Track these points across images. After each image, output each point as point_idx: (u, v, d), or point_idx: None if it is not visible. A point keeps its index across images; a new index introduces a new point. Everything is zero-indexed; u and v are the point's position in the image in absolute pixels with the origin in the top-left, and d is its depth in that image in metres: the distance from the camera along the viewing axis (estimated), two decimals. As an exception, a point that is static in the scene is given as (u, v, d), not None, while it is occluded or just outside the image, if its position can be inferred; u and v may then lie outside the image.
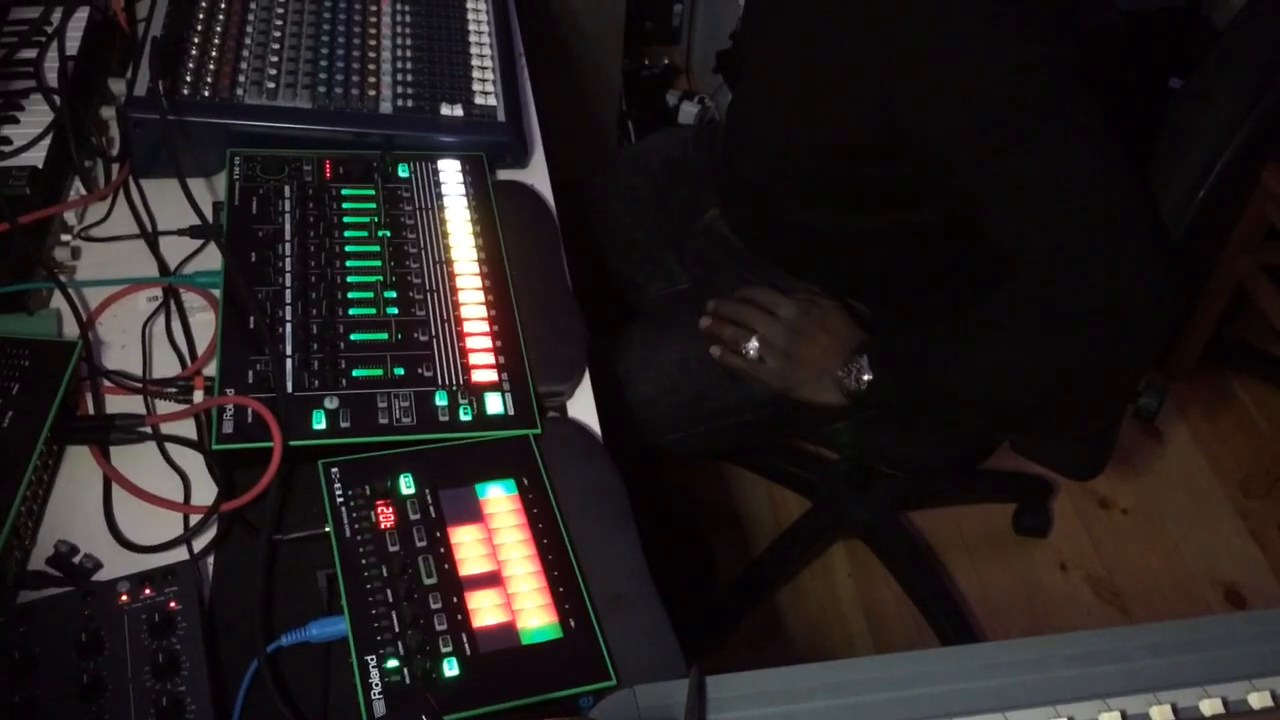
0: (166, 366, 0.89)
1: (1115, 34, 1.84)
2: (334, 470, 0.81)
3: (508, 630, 0.73)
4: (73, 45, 1.10)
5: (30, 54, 1.09)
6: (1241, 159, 1.05)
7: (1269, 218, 1.79)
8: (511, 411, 0.86)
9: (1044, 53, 0.93)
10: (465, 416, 0.85)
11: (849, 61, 1.01)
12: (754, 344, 1.18)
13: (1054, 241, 0.95)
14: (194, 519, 0.79)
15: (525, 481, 0.82)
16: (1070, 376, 1.01)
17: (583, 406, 0.92)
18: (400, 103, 1.08)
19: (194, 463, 0.83)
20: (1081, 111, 0.94)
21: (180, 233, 0.99)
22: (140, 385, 0.86)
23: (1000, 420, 1.16)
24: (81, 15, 1.13)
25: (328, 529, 0.77)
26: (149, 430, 0.84)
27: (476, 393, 0.87)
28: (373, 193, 1.01)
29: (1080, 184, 0.94)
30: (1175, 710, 0.65)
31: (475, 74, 1.14)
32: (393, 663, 0.70)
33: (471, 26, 1.20)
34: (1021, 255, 0.98)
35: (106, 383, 0.86)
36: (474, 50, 1.17)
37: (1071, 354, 0.99)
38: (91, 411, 0.84)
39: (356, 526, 0.77)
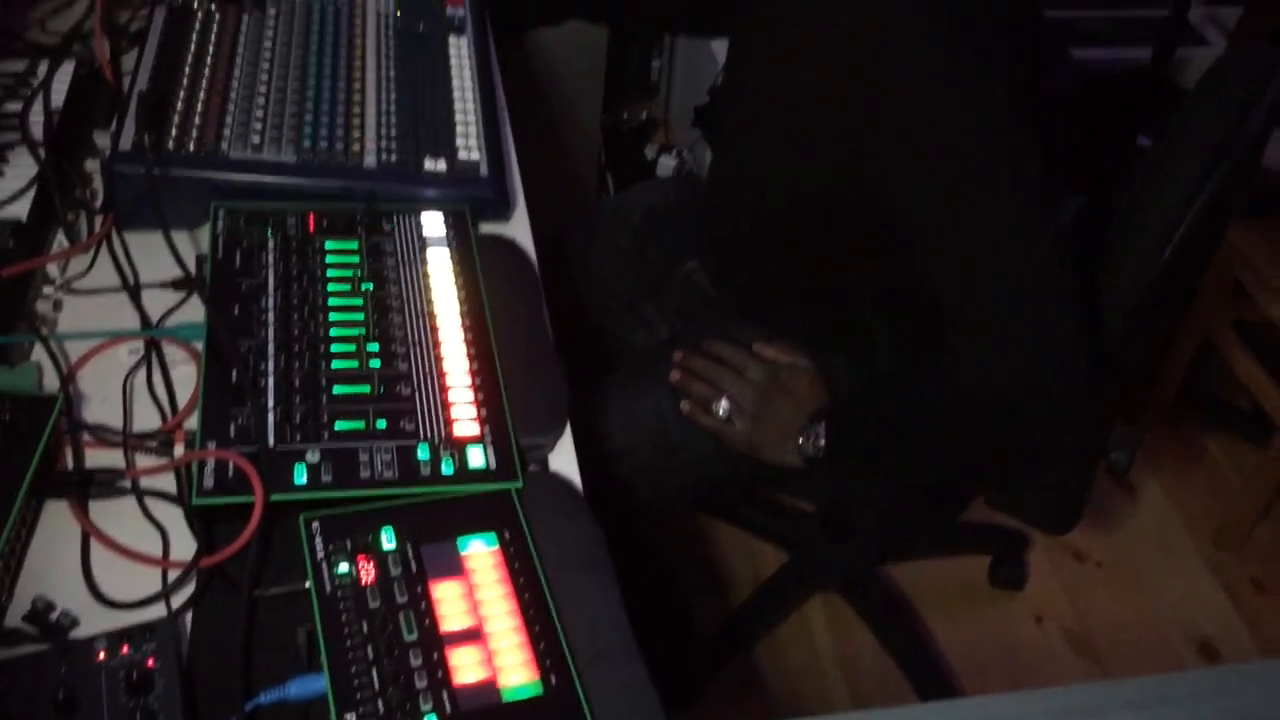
0: (147, 419, 0.89)
1: (1079, 94, 1.88)
2: (315, 525, 0.81)
3: (489, 687, 0.73)
4: (58, 98, 1.11)
5: (15, 107, 1.09)
6: (1206, 216, 1.08)
7: (1235, 274, 1.83)
8: (493, 465, 0.87)
9: (1002, 120, 0.95)
10: (447, 470, 0.85)
11: (823, 116, 1.03)
12: (724, 404, 1.20)
13: (981, 314, 0.98)
14: (173, 574, 0.78)
15: (506, 535, 0.82)
16: (994, 453, 1.08)
17: (564, 459, 0.93)
18: (384, 157, 1.09)
19: (173, 517, 0.82)
20: (1025, 185, 0.96)
21: (163, 285, 0.99)
22: (120, 439, 0.86)
23: (946, 482, 1.20)
24: (68, 69, 1.14)
25: (308, 584, 0.77)
26: (128, 485, 0.83)
27: (458, 446, 0.87)
28: (356, 246, 1.02)
29: (1011, 259, 0.96)
30: (1153, 766, 0.66)
31: (459, 128, 1.15)
32: (373, 720, 0.70)
33: (455, 81, 1.21)
34: (954, 324, 1.01)
35: (87, 436, 0.86)
36: (457, 104, 1.18)
37: (989, 433, 1.04)
38: (71, 466, 0.84)
39: (337, 582, 0.77)
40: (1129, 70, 2.03)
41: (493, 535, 0.82)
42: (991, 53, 0.97)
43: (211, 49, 1.14)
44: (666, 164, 2.33)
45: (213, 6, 1.19)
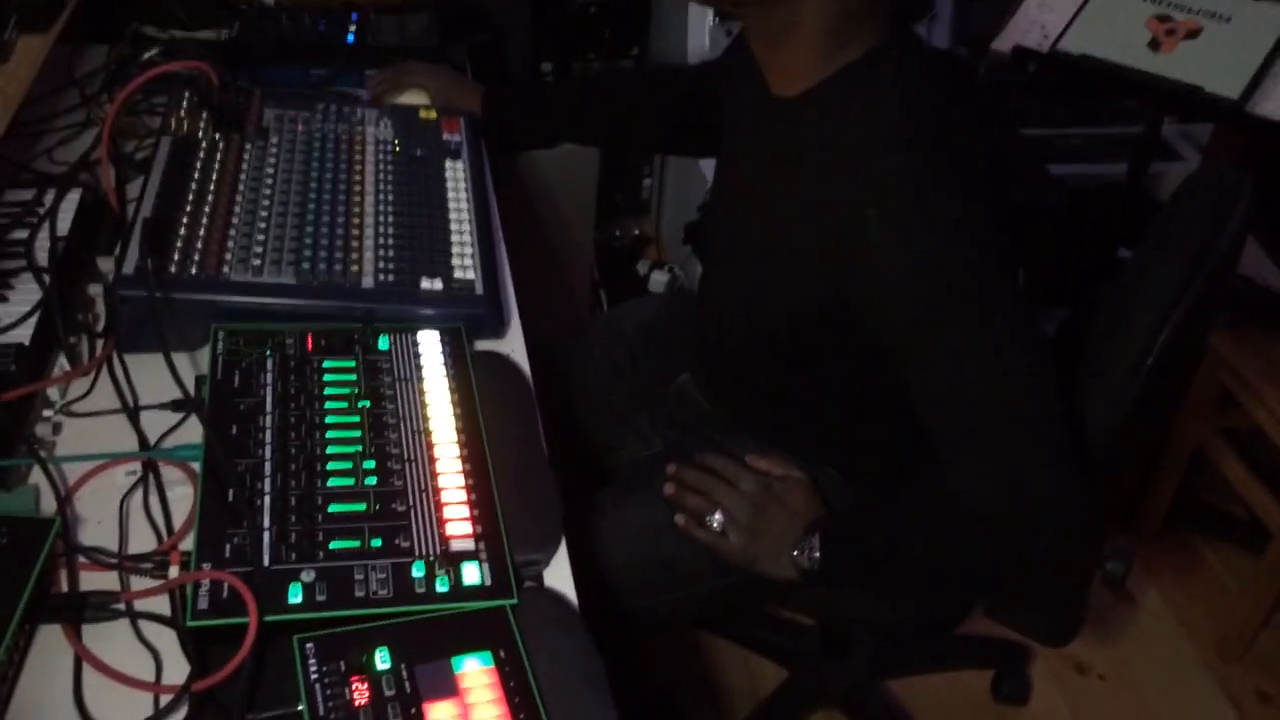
0: (143, 541, 0.89)
1: (1059, 208, 1.93)
2: (309, 646, 0.80)
3: (484, 811, 0.72)
4: (64, 225, 1.13)
5: (22, 234, 1.12)
6: (1188, 325, 1.10)
7: (1222, 382, 1.85)
8: (488, 581, 0.87)
9: (979, 244, 0.98)
10: (442, 587, 0.85)
11: (804, 235, 1.06)
12: (718, 516, 1.20)
13: (965, 435, 1.00)
14: (165, 699, 0.78)
15: (502, 653, 0.82)
16: (989, 568, 1.08)
17: (559, 573, 0.93)
18: (382, 277, 1.12)
19: (167, 639, 0.82)
20: (1005, 306, 0.98)
21: (162, 406, 1.00)
22: (116, 561, 0.86)
23: (941, 596, 1.20)
24: (74, 197, 1.17)
25: (301, 707, 0.76)
26: (122, 608, 0.83)
27: (453, 563, 0.87)
28: (353, 364, 1.03)
29: (993, 380, 0.98)
30: None
31: (455, 248, 1.18)
32: (366, 847, 0.69)
33: (451, 203, 1.25)
34: (942, 439, 1.02)
35: (82, 559, 0.86)
36: (453, 225, 1.21)
37: (984, 549, 1.05)
38: (66, 589, 0.84)
39: (331, 704, 0.76)
40: (1106, 185, 2.08)
41: (488, 654, 0.81)
42: (969, 170, 1.00)
43: (215, 176, 1.18)
44: (659, 279, 2.37)
45: (217, 136, 1.23)
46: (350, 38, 1.59)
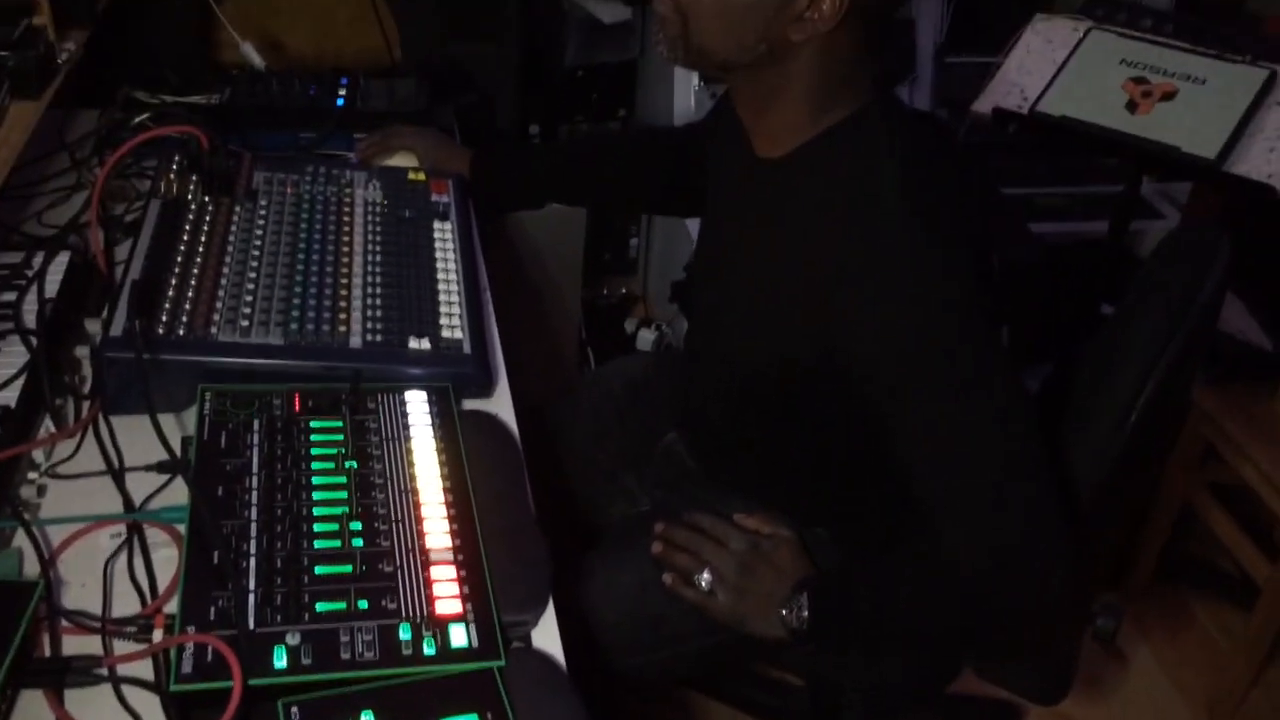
0: (127, 604, 0.88)
1: (1041, 265, 1.95)
2: (294, 710, 0.79)
3: None
4: (52, 288, 1.14)
5: (10, 296, 1.12)
6: (1170, 380, 1.11)
7: (1206, 437, 1.86)
8: (475, 643, 0.86)
9: (964, 303, 0.99)
10: (429, 650, 0.85)
11: (788, 295, 1.07)
12: (707, 576, 1.20)
13: (949, 492, 1.00)
14: (147, 765, 0.77)
15: (489, 716, 0.81)
16: (975, 624, 1.08)
17: (547, 634, 0.92)
18: (369, 337, 1.12)
19: (151, 704, 0.81)
20: (990, 365, 0.99)
21: (148, 468, 1.00)
22: (99, 625, 0.85)
23: (931, 655, 1.19)
24: (62, 259, 1.18)
25: (286, 772, 0.75)
26: (105, 672, 0.82)
27: (440, 625, 0.87)
28: (340, 425, 1.03)
29: (977, 438, 0.98)
30: None
31: (442, 308, 1.19)
32: None
33: (439, 263, 1.26)
34: (929, 497, 1.02)
35: (65, 623, 0.85)
36: (441, 285, 1.22)
37: (969, 605, 1.04)
38: (48, 653, 0.83)
39: (316, 769, 0.76)
40: (1087, 242, 2.11)
41: (475, 716, 0.81)
42: (953, 230, 1.01)
43: (204, 238, 1.18)
44: (646, 338, 2.38)
45: (206, 199, 1.24)
46: (340, 102, 1.61)
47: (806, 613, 1.12)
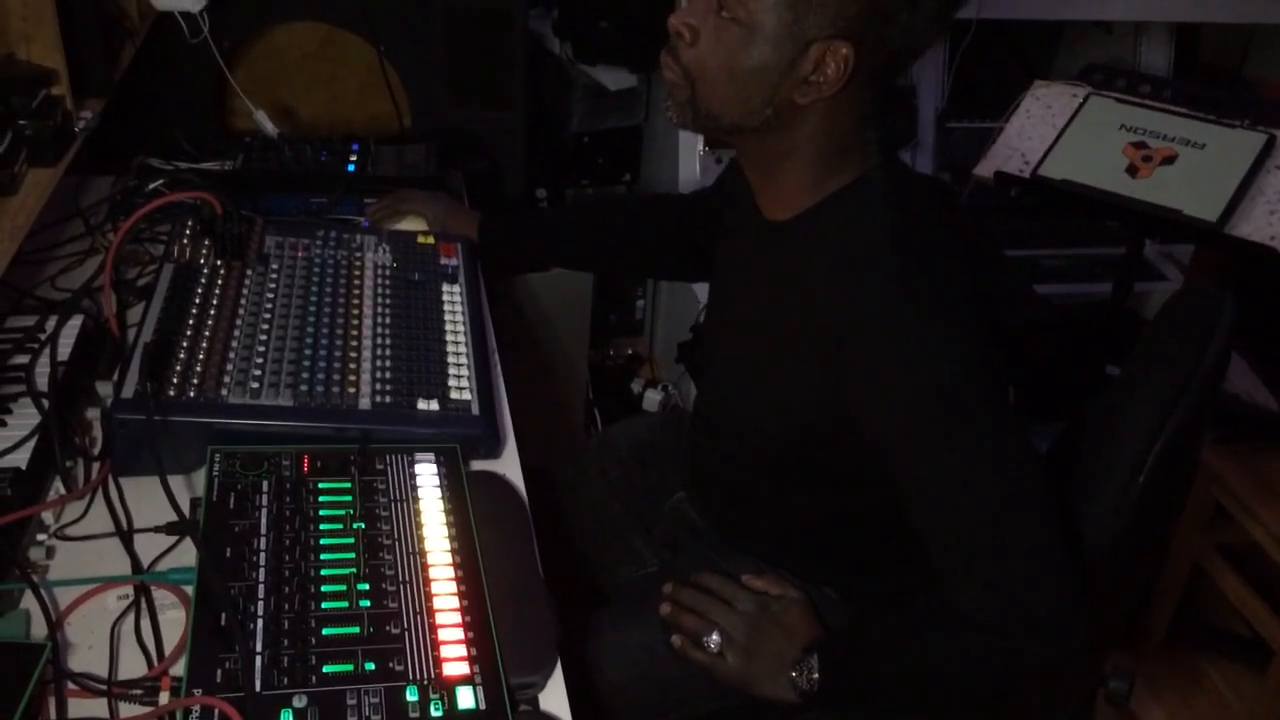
0: (134, 667, 0.88)
1: (1047, 326, 1.96)
2: (300, 773, 0.79)
3: None
4: (64, 351, 1.15)
5: (23, 359, 1.13)
6: (1178, 440, 1.11)
7: (1215, 498, 1.85)
8: (483, 706, 0.85)
9: (970, 362, 0.99)
10: (436, 712, 0.84)
11: (796, 355, 1.07)
12: (715, 637, 1.19)
13: (960, 548, 1.00)
14: (151, 830, 0.76)
15: (496, 781, 0.80)
16: (986, 681, 1.07)
17: (555, 696, 0.92)
18: (379, 399, 1.13)
19: (155, 768, 0.81)
20: (998, 422, 1.00)
21: (156, 530, 1.00)
22: (105, 688, 0.85)
23: (941, 714, 1.18)
24: (75, 322, 1.19)
25: (291, 838, 0.75)
26: (111, 735, 0.82)
27: (447, 687, 0.86)
28: (349, 485, 1.04)
29: (987, 493, 0.99)
30: None
31: (451, 369, 1.19)
32: None
33: (448, 325, 1.27)
34: (940, 556, 1.02)
35: (71, 685, 0.85)
36: (450, 347, 1.23)
37: (980, 662, 1.04)
38: (54, 716, 0.82)
39: (321, 834, 0.75)
40: (1092, 304, 2.12)
41: (482, 781, 0.80)
42: (958, 292, 1.02)
43: (216, 301, 1.20)
44: (653, 399, 2.38)
45: (219, 263, 1.26)
46: (351, 167, 1.64)
47: (816, 674, 1.11)
